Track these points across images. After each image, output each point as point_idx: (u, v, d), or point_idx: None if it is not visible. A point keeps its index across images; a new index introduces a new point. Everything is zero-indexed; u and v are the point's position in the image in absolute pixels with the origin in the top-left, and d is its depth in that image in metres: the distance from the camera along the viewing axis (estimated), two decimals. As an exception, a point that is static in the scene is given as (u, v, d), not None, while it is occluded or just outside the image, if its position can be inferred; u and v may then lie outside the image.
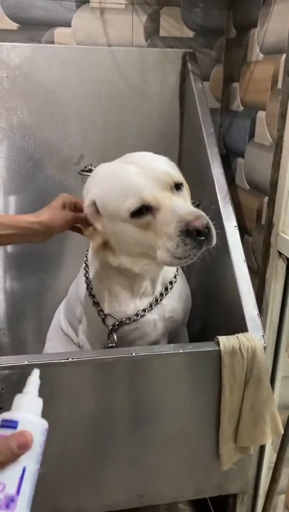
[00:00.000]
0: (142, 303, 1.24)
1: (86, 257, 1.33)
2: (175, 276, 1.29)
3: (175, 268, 1.30)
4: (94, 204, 1.13)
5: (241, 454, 1.16)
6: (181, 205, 1.05)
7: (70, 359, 1.02)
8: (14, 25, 1.59)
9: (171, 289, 1.27)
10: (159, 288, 1.26)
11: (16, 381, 1.00)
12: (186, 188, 1.15)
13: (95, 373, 1.06)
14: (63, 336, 1.49)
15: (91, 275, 1.29)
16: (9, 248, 1.74)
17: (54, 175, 1.66)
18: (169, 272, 1.28)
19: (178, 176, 1.12)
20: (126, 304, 1.23)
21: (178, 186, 1.10)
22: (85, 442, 1.10)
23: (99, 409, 1.08)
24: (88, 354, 1.11)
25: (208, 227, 1.02)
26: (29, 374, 0.78)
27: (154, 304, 1.24)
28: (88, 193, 1.16)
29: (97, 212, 1.14)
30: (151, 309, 1.24)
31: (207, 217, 1.03)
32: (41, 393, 1.02)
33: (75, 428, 1.08)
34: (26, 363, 1.00)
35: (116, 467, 1.14)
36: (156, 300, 1.25)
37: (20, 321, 1.82)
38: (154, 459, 1.15)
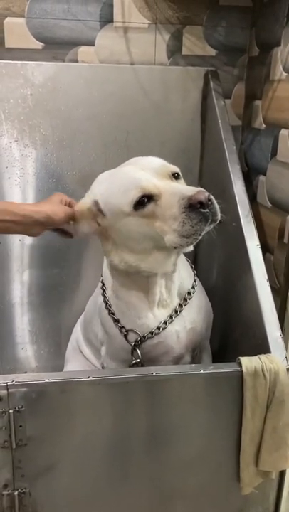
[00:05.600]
0: (162, 314, 1.24)
1: (102, 276, 1.34)
2: (193, 287, 1.29)
3: (192, 278, 1.31)
4: (96, 204, 1.16)
5: (263, 479, 1.13)
6: (181, 186, 1.10)
7: (90, 377, 1.01)
8: (39, 45, 1.62)
9: (190, 299, 1.27)
10: (176, 299, 1.25)
11: (36, 399, 1.00)
12: (183, 180, 1.19)
13: (114, 392, 1.05)
14: (82, 358, 1.49)
15: (108, 293, 1.29)
16: (29, 260, 1.75)
17: (76, 191, 1.67)
18: (186, 283, 1.28)
19: (174, 167, 1.17)
20: (146, 316, 1.23)
21: (175, 176, 1.15)
22: (102, 462, 1.09)
23: (117, 429, 1.07)
24: (108, 373, 1.10)
25: (210, 200, 1.04)
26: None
27: (174, 316, 1.24)
28: (90, 194, 1.19)
29: (100, 212, 1.16)
30: (172, 321, 1.23)
31: (208, 192, 1.06)
32: (60, 411, 1.03)
33: (92, 447, 1.07)
34: (47, 381, 1.00)
35: (134, 488, 1.12)
36: (176, 311, 1.24)
37: (39, 335, 1.82)
38: (173, 481, 1.13)
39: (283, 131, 1.43)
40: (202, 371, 1.06)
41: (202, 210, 1.03)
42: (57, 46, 1.63)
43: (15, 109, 1.60)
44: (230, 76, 1.73)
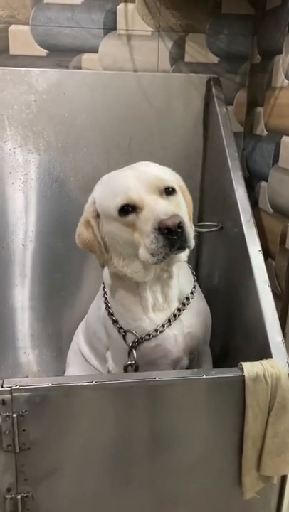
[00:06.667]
0: (159, 318, 1.25)
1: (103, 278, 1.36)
2: (192, 293, 1.30)
3: (192, 284, 1.32)
4: (94, 203, 1.20)
5: (264, 483, 1.14)
6: (163, 205, 1.10)
7: (93, 382, 1.02)
8: (43, 52, 1.64)
9: (188, 304, 1.28)
10: (175, 303, 1.27)
11: (40, 403, 1.01)
12: (182, 196, 1.20)
13: (117, 397, 1.05)
14: (84, 362, 1.49)
15: (108, 293, 1.32)
16: (31, 265, 1.76)
17: (79, 197, 1.68)
18: (185, 287, 1.29)
19: (169, 182, 1.16)
20: (140, 319, 1.24)
21: (169, 191, 1.15)
22: (105, 466, 1.09)
23: (120, 433, 1.08)
24: (111, 378, 1.11)
25: (181, 228, 1.05)
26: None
27: (172, 320, 1.25)
28: (92, 193, 1.23)
29: (97, 213, 1.20)
30: (170, 324, 1.25)
31: (182, 218, 1.06)
32: (63, 416, 1.03)
33: (95, 451, 1.08)
34: (50, 385, 1.00)
35: (136, 492, 1.13)
36: (175, 315, 1.25)
37: (41, 340, 1.83)
38: (175, 485, 1.13)
39: (285, 138, 1.44)
40: (204, 376, 1.06)
41: (169, 237, 1.05)
42: (61, 53, 1.65)
43: (19, 115, 1.62)
44: (232, 83, 1.75)
